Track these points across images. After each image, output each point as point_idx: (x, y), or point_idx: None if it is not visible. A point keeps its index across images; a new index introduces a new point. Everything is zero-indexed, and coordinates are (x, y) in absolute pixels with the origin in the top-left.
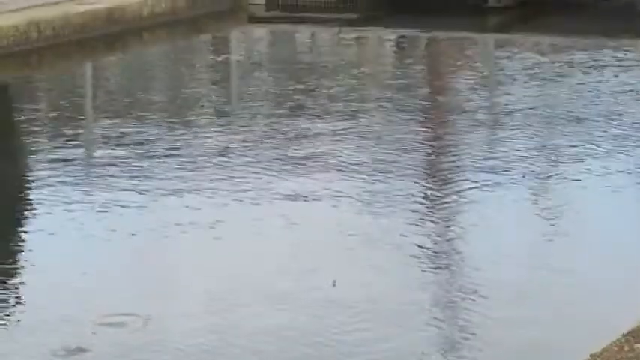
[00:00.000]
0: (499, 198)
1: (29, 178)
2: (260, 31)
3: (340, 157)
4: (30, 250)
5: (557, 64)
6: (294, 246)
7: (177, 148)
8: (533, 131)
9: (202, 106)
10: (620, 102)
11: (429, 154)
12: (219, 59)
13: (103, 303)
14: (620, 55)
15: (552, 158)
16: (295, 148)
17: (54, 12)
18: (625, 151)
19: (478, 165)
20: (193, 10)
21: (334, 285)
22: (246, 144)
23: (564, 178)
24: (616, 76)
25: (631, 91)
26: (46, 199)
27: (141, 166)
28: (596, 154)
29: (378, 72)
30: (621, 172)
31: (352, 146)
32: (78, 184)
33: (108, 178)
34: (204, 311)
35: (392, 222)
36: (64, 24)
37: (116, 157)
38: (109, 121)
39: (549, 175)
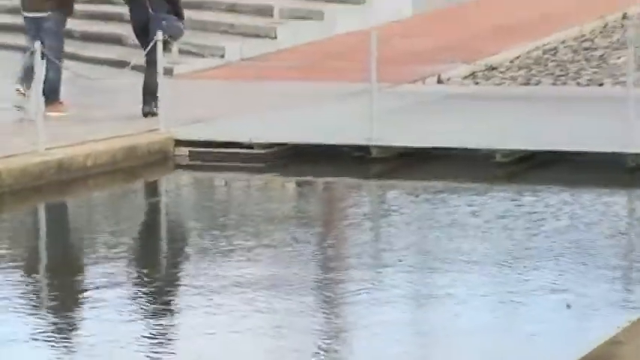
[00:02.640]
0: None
1: None
2: (184, 178)
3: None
4: None
5: (430, 206)
6: None
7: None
8: (408, 268)
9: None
10: (484, 239)
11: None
12: (151, 201)
13: None
14: (480, 198)
15: (425, 295)
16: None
17: (14, 163)
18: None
19: (356, 301)
20: (129, 160)
21: None
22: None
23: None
24: (477, 216)
25: (500, 228)
26: None
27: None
28: (465, 292)
29: (278, 215)
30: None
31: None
32: None
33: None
34: None
35: None
36: (22, 173)
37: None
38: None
39: (420, 317)
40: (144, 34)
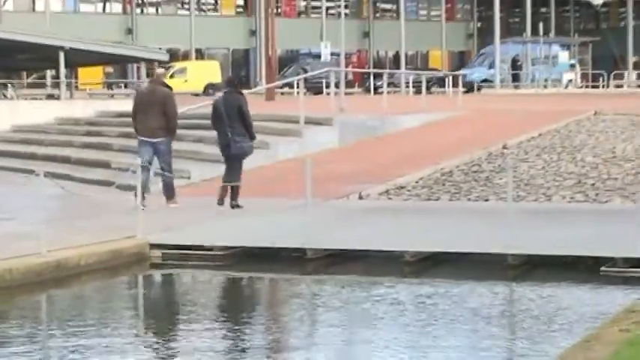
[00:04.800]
0: None
1: None
2: (158, 274)
3: None
4: None
5: (353, 295)
6: None
7: None
8: (335, 342)
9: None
10: (394, 322)
11: None
12: (131, 293)
13: None
14: (393, 288)
15: None
16: None
17: (21, 263)
18: None
19: None
20: (114, 261)
21: None
22: None
23: None
24: (390, 303)
25: (407, 313)
26: None
27: None
28: None
29: (230, 302)
30: None
31: None
32: None
33: None
34: None
35: None
36: (28, 270)
37: None
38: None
39: None
40: (226, 151)
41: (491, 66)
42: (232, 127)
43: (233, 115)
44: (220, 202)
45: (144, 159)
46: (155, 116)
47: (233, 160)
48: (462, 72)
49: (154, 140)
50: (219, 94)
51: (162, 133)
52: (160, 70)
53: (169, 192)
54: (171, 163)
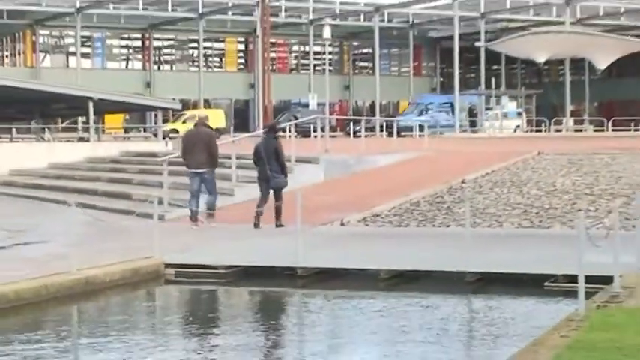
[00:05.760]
0: None
1: None
2: (171, 289)
3: None
4: None
5: (336, 306)
6: None
7: None
8: (322, 339)
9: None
10: (371, 326)
11: None
12: (149, 304)
13: None
14: (368, 300)
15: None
16: None
17: (55, 279)
18: None
19: None
20: (134, 277)
21: None
22: None
23: None
24: (365, 312)
25: (380, 321)
26: None
27: None
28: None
29: (231, 310)
30: None
31: None
32: None
33: None
34: None
35: None
36: (60, 287)
37: None
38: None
39: None
40: (266, 184)
41: (420, 113)
42: (270, 165)
43: (270, 155)
44: (257, 224)
45: (193, 188)
46: (201, 152)
47: (275, 192)
48: (395, 119)
49: (201, 171)
50: (260, 135)
51: (206, 166)
52: (202, 115)
53: (210, 210)
54: (215, 187)
